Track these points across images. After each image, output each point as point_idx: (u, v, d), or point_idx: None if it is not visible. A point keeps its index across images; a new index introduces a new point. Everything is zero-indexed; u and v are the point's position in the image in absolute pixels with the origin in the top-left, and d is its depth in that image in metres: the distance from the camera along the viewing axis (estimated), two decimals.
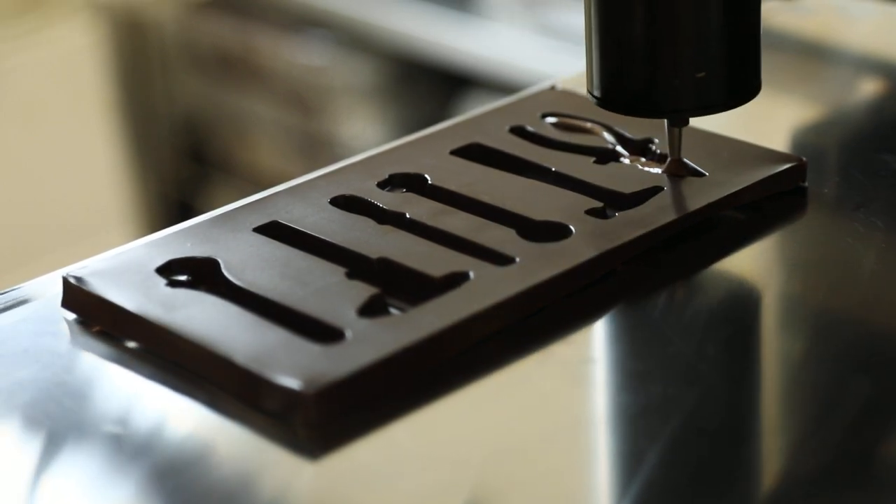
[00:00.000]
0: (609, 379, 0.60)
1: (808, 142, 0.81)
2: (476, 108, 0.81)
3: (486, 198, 0.70)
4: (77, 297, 0.64)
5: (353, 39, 2.07)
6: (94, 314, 0.64)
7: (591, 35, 0.69)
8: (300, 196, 0.70)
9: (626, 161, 0.73)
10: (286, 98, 2.16)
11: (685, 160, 0.71)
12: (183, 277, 0.65)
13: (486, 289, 0.62)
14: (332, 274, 0.64)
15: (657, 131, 0.75)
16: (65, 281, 0.65)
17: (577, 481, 0.55)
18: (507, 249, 0.65)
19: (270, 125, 2.20)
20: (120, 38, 2.24)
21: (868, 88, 0.90)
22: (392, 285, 0.64)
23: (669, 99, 0.68)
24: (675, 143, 0.71)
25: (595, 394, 0.59)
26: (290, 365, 0.58)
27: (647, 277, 0.66)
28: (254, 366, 0.58)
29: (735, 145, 0.74)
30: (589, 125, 0.77)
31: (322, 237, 0.67)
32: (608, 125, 0.76)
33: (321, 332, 0.60)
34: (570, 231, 0.66)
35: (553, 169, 0.72)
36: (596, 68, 0.69)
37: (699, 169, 0.71)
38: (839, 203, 0.72)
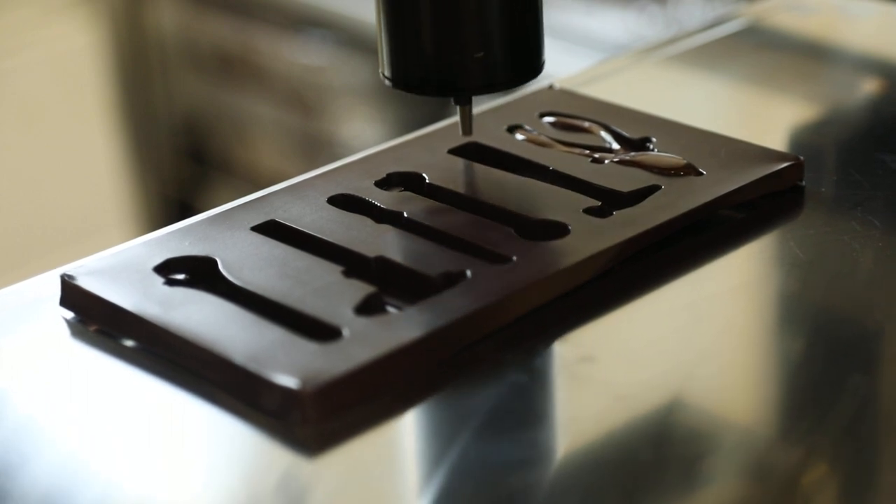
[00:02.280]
0: (607, 378, 0.60)
1: (806, 141, 0.81)
2: (475, 108, 0.81)
3: (483, 197, 0.70)
4: (75, 296, 0.64)
5: (353, 39, 2.07)
6: (92, 313, 0.64)
7: (379, 17, 0.70)
8: (298, 195, 0.70)
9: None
10: (286, 98, 2.16)
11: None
12: (181, 276, 0.65)
13: (483, 288, 0.62)
14: (329, 273, 0.64)
15: (655, 130, 0.75)
16: (63, 280, 0.65)
17: (575, 480, 0.55)
18: (504, 248, 0.65)
19: (270, 125, 2.20)
20: (120, 38, 2.24)
21: (866, 88, 0.90)
22: (389, 284, 0.64)
23: (453, 78, 0.70)
24: (465, 120, 0.73)
25: (593, 393, 0.59)
26: (287, 363, 0.58)
27: (644, 276, 0.66)
28: (251, 364, 0.58)
29: (733, 144, 0.74)
30: (587, 124, 0.77)
31: (320, 236, 0.67)
32: (606, 124, 0.76)
33: (318, 330, 0.60)
34: (568, 230, 0.67)
35: (551, 168, 0.72)
36: (385, 50, 0.70)
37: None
38: (837, 202, 0.72)
